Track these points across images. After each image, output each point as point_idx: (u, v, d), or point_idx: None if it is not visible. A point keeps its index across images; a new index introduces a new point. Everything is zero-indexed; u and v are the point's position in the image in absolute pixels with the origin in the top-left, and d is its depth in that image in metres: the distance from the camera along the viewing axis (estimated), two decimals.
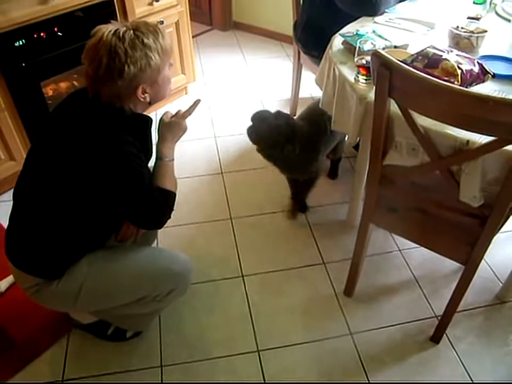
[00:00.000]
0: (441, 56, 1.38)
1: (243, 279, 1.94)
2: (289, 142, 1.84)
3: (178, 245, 2.08)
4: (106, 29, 1.22)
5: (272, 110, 1.93)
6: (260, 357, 1.66)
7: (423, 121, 1.25)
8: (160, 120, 1.50)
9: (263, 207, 2.28)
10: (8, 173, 2.22)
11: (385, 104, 1.25)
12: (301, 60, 2.63)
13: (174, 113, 1.52)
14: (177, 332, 1.75)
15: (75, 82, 2.55)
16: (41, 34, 2.04)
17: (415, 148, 1.33)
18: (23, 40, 1.98)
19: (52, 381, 1.60)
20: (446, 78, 1.30)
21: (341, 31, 1.81)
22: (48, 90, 2.41)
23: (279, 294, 1.88)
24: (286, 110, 2.90)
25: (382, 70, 1.17)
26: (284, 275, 1.96)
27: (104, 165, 1.23)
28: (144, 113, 1.38)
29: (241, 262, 2.01)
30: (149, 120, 1.39)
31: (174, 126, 1.48)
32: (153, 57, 1.24)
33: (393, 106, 1.28)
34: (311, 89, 3.05)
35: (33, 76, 2.11)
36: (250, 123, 1.88)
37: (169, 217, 1.40)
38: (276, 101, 3.02)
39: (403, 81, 1.16)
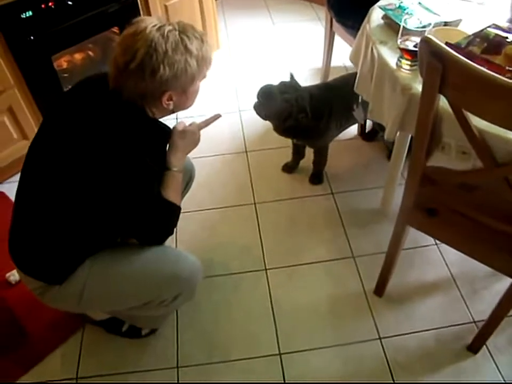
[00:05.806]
0: (506, 38, 1.16)
1: (266, 273, 1.82)
2: (301, 111, 1.82)
3: (199, 232, 1.99)
4: (151, 22, 1.12)
5: (290, 81, 1.88)
6: (281, 361, 1.57)
7: (478, 121, 1.05)
8: (172, 129, 1.38)
9: (289, 191, 2.13)
10: (22, 153, 2.09)
11: (434, 102, 1.06)
12: (333, 27, 2.40)
13: (188, 124, 1.42)
14: (195, 330, 1.66)
15: (90, 53, 2.41)
16: (50, 4, 1.89)
17: (466, 151, 1.14)
18: (30, 11, 1.84)
19: (65, 378, 1.55)
20: (510, 68, 1.09)
21: (381, 2, 1.58)
22: (63, 63, 2.29)
23: (304, 290, 1.76)
24: (317, 80, 2.70)
25: (434, 62, 0.97)
26: (310, 269, 1.83)
27: (118, 165, 1.14)
28: (161, 119, 1.30)
29: (264, 253, 1.89)
30: (169, 132, 1.32)
31: (188, 135, 1.38)
32: (191, 64, 1.15)
33: (442, 101, 1.09)
34: (344, 57, 2.80)
35: (43, 50, 1.98)
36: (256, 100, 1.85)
37: (171, 233, 1.34)
38: (306, 69, 2.80)
39: (459, 78, 0.96)
